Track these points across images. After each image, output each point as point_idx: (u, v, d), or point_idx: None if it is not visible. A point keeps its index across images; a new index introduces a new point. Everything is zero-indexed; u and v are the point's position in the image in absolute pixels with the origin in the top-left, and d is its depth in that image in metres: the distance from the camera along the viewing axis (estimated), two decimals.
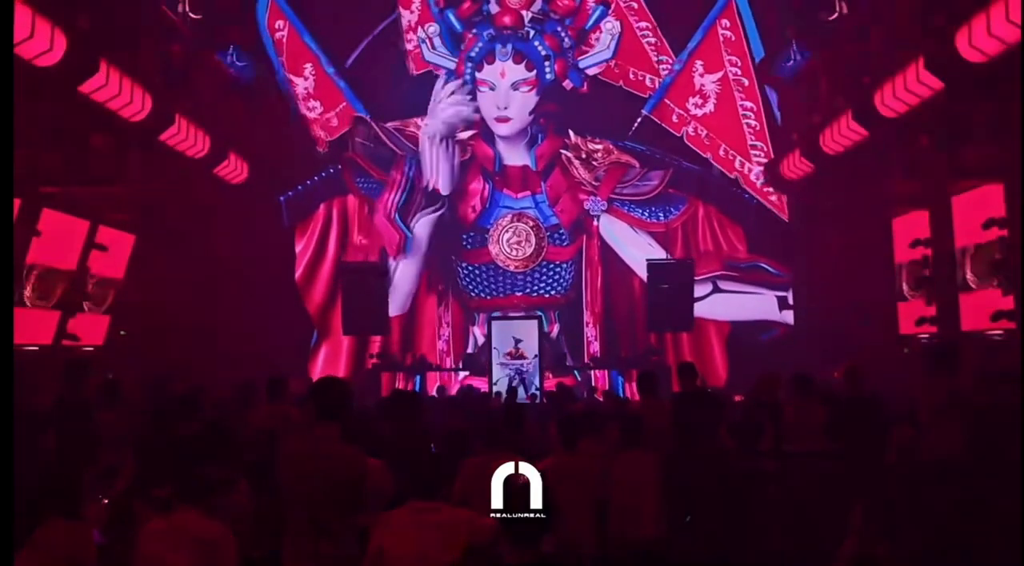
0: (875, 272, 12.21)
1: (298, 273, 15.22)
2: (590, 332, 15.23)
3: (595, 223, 15.26)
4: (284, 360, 12.56)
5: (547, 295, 15.37)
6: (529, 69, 14.74)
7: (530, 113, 14.93)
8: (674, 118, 14.93)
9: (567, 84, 14.90)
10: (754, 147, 14.60)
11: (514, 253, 15.11)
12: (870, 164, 11.95)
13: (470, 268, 15.40)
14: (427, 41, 14.95)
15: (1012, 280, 8.65)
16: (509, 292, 15.24)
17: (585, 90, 15.01)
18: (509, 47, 14.68)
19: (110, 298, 11.30)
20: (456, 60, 14.96)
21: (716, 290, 14.74)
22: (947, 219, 10.24)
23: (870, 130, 11.27)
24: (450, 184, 15.03)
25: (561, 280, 15.37)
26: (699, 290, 14.27)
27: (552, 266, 15.33)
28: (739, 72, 14.61)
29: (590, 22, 14.83)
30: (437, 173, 14.95)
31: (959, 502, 4.10)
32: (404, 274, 15.02)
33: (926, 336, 10.80)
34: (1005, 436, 4.51)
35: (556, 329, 15.22)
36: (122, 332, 11.58)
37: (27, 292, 9.56)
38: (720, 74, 14.73)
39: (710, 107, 14.85)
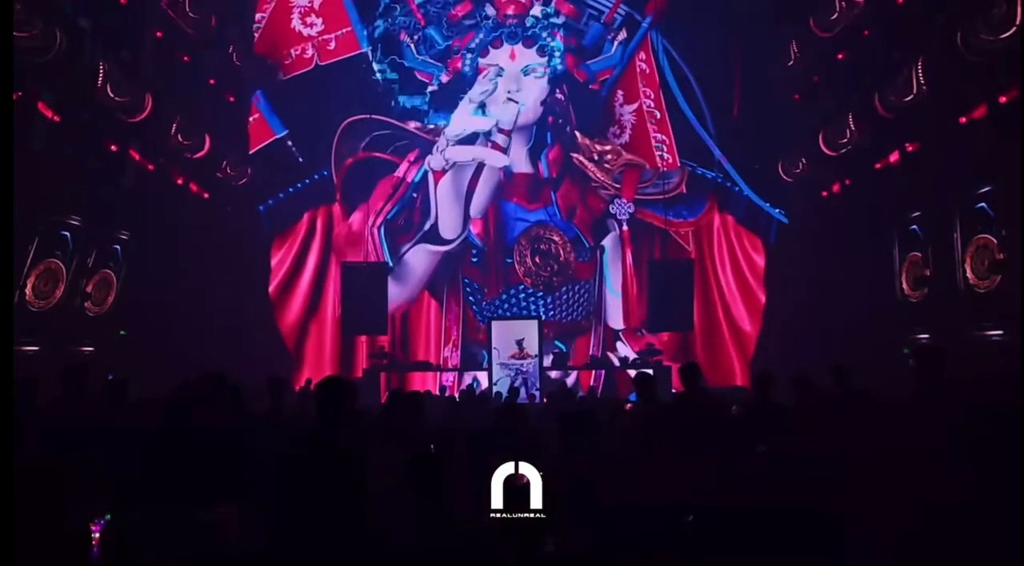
0: (875, 272, 12.22)
1: (272, 286, 14.30)
2: (595, 350, 14.66)
3: (622, 228, 14.53)
4: (280, 365, 12.45)
5: (568, 319, 14.55)
6: (541, 55, 14.19)
7: (541, 103, 14.35)
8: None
9: (580, 75, 14.48)
10: (667, 177, 14.29)
11: (544, 271, 14.30)
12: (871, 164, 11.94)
13: (488, 302, 14.46)
14: (411, 46, 14.34)
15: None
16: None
17: (596, 87, 14.66)
18: (518, 30, 14.12)
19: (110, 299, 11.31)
20: (441, 65, 14.40)
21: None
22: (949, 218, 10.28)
23: (870, 129, 11.29)
24: (459, 228, 14.02)
25: (591, 299, 14.66)
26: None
27: (579, 285, 14.67)
28: (652, 105, 14.31)
29: (587, 38, 14.62)
30: (444, 214, 13.95)
31: (951, 500, 4.08)
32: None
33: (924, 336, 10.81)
34: (993, 434, 4.49)
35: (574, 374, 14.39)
36: (122, 332, 11.55)
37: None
38: (636, 105, 14.41)
39: (626, 137, 14.55)
